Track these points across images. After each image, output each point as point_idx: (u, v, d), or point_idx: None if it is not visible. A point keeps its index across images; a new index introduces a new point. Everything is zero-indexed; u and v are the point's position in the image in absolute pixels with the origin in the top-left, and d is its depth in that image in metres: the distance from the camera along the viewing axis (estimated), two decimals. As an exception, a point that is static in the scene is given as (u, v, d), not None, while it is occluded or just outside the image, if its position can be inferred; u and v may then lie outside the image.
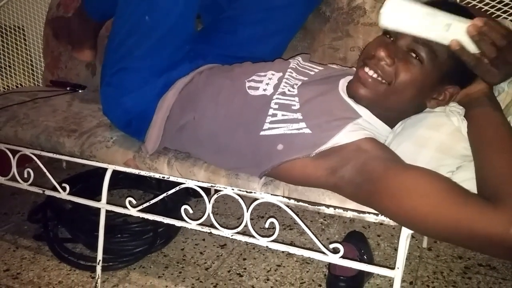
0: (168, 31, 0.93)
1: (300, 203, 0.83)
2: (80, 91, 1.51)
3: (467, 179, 0.71)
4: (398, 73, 0.75)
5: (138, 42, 0.95)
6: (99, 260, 1.08)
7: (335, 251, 0.82)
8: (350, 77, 0.88)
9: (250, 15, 1.06)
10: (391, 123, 0.83)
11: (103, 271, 1.13)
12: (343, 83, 0.86)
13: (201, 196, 0.91)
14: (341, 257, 0.82)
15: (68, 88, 1.52)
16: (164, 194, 0.96)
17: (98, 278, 1.07)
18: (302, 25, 1.18)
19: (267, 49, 1.09)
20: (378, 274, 1.15)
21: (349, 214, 0.80)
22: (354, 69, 0.93)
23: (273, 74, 0.90)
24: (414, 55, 0.74)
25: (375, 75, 0.77)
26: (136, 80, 0.96)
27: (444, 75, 0.75)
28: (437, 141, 0.75)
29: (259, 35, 1.06)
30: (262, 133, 0.82)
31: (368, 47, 0.80)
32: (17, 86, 1.72)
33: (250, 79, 0.90)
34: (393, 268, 0.79)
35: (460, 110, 0.77)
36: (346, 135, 0.76)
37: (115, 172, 1.04)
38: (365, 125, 0.80)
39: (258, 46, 1.07)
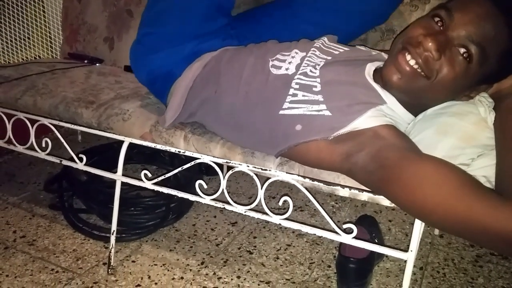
0: (190, 3, 0.93)
1: (315, 183, 0.82)
2: (97, 64, 1.52)
3: (487, 166, 0.70)
4: (442, 70, 0.70)
5: (164, 9, 0.95)
6: (114, 231, 1.09)
7: (347, 231, 0.82)
8: (377, 63, 0.85)
9: (295, 22, 1.03)
10: (415, 112, 0.80)
11: (116, 242, 1.15)
12: (369, 67, 0.83)
13: (214, 174, 0.91)
14: (353, 237, 0.82)
15: (85, 61, 1.53)
16: (180, 168, 0.96)
17: (112, 248, 1.09)
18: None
19: None
20: (388, 258, 1.15)
21: (364, 196, 0.80)
22: (383, 54, 0.91)
23: (296, 53, 0.88)
24: (463, 52, 0.69)
25: (415, 66, 0.72)
26: (163, 43, 0.96)
27: (486, 76, 0.72)
28: (461, 130, 0.72)
29: (304, 35, 1.00)
30: (281, 112, 0.81)
31: (413, 30, 0.73)
32: (35, 58, 1.74)
33: (274, 58, 0.88)
34: (406, 251, 0.79)
35: (489, 103, 0.75)
36: (365, 120, 0.74)
37: (128, 147, 1.04)
38: (387, 111, 0.78)
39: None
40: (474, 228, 0.60)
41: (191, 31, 0.96)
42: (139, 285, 1.06)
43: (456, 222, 0.62)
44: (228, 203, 0.92)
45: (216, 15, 0.97)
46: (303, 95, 0.81)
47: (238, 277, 1.10)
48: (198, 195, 0.95)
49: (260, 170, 0.87)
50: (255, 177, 0.87)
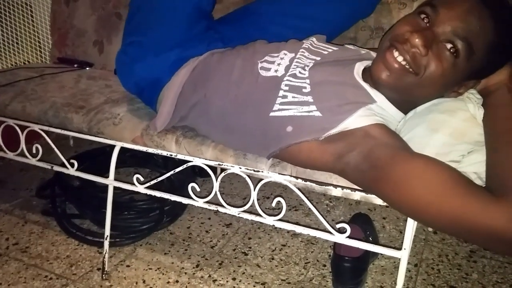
0: (171, 8, 0.93)
1: (308, 183, 0.82)
2: (87, 68, 1.51)
3: (477, 162, 0.71)
4: (429, 66, 0.71)
5: (145, 17, 0.96)
6: (107, 236, 1.09)
7: (341, 231, 0.82)
8: (366, 62, 0.85)
9: (283, 17, 1.03)
10: (405, 110, 0.80)
11: (110, 247, 1.14)
12: (358, 67, 0.83)
13: (207, 176, 0.91)
14: (347, 237, 0.82)
15: (75, 65, 1.52)
16: (172, 172, 0.96)
17: (105, 253, 1.09)
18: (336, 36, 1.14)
19: None
20: (383, 256, 1.16)
21: (357, 195, 0.80)
22: (372, 53, 0.91)
23: (285, 54, 0.88)
24: (449, 47, 0.69)
25: (403, 62, 0.72)
26: (147, 52, 0.96)
27: (474, 71, 0.72)
28: (451, 127, 0.73)
29: (286, 38, 1.00)
30: (272, 114, 0.80)
31: (400, 27, 0.73)
32: (24, 63, 1.72)
33: (263, 59, 0.88)
34: (399, 249, 0.79)
35: (478, 99, 0.75)
36: (356, 120, 0.74)
37: (121, 150, 1.04)
38: (377, 110, 0.78)
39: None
40: (466, 226, 0.60)
41: (175, 38, 0.95)
42: (134, 289, 1.06)
43: (448, 221, 0.62)
44: (221, 205, 0.92)
45: (198, 20, 0.97)
46: (293, 97, 0.80)
47: (234, 279, 1.09)
48: (191, 198, 0.94)
49: (252, 172, 0.87)
50: (247, 179, 0.87)
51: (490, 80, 0.75)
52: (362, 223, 1.13)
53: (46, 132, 1.10)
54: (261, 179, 0.85)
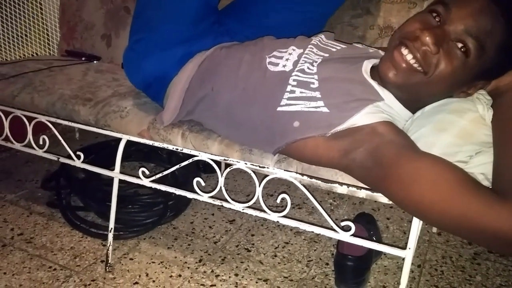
0: (178, 4, 0.93)
1: (313, 180, 0.82)
2: (95, 61, 1.52)
3: (485, 163, 0.70)
4: (439, 65, 0.70)
5: (152, 14, 0.96)
6: (111, 228, 1.09)
7: (346, 229, 0.82)
8: (374, 60, 0.85)
9: (282, 2, 1.03)
10: (413, 109, 0.80)
11: (114, 240, 1.14)
12: (366, 65, 0.83)
13: (211, 172, 0.91)
14: (351, 235, 0.82)
15: (83, 59, 1.53)
16: (177, 166, 0.96)
17: (109, 246, 1.09)
18: (331, 15, 1.15)
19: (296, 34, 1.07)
20: (386, 256, 1.16)
21: (362, 193, 0.80)
22: (380, 51, 0.90)
23: (293, 50, 0.88)
24: (460, 46, 0.69)
25: (412, 61, 0.71)
26: (154, 48, 0.96)
27: (484, 71, 0.71)
28: (459, 127, 0.72)
29: (290, 22, 1.00)
30: (279, 108, 0.80)
31: (410, 25, 0.73)
32: (32, 55, 1.73)
33: (271, 55, 0.88)
34: (404, 249, 0.79)
35: (487, 100, 0.75)
36: (363, 117, 0.74)
37: (127, 144, 1.04)
38: (385, 108, 0.78)
39: (288, 33, 1.02)
40: (470, 226, 0.60)
41: (183, 34, 0.96)
42: (136, 282, 1.06)
43: (452, 220, 0.62)
44: (226, 200, 0.92)
45: (205, 15, 0.97)
46: (300, 92, 0.80)
47: (236, 274, 1.09)
48: (196, 192, 0.95)
49: (258, 168, 0.87)
50: (253, 175, 0.87)
51: (501, 81, 0.74)
52: (366, 223, 1.12)
53: (53, 124, 1.11)
54: (266, 176, 0.85)
